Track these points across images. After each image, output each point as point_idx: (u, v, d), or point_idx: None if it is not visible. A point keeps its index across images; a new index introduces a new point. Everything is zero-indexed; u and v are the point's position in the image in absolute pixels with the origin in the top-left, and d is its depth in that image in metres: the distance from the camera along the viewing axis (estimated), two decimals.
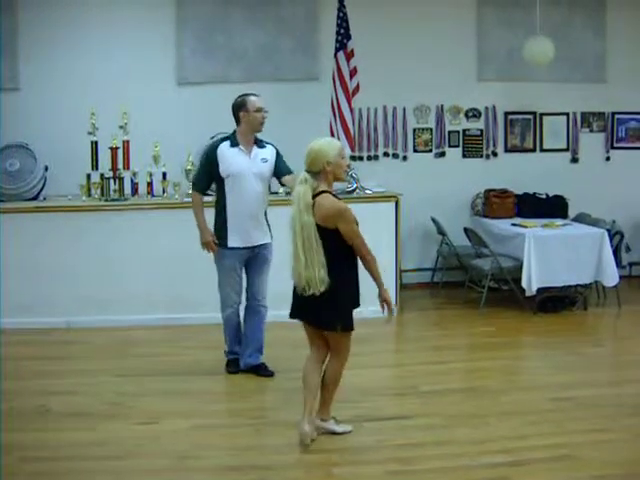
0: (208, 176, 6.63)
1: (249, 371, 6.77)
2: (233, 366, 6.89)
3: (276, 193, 8.12)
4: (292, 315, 5.47)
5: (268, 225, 6.73)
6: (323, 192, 5.17)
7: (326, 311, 5.23)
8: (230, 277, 6.69)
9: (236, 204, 6.51)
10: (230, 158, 6.49)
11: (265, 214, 6.72)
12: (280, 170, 6.62)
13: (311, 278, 5.08)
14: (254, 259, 6.69)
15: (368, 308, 8.30)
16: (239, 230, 6.55)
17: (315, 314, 5.28)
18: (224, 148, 6.53)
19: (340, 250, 5.19)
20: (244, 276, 6.80)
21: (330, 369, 5.44)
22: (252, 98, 6.53)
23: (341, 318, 5.30)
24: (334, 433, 5.50)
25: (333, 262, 5.14)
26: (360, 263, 5.31)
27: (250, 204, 6.51)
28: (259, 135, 6.64)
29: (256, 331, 6.76)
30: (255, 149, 6.58)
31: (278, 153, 6.69)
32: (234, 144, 6.53)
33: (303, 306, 5.30)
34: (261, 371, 6.75)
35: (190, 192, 7.15)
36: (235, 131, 6.62)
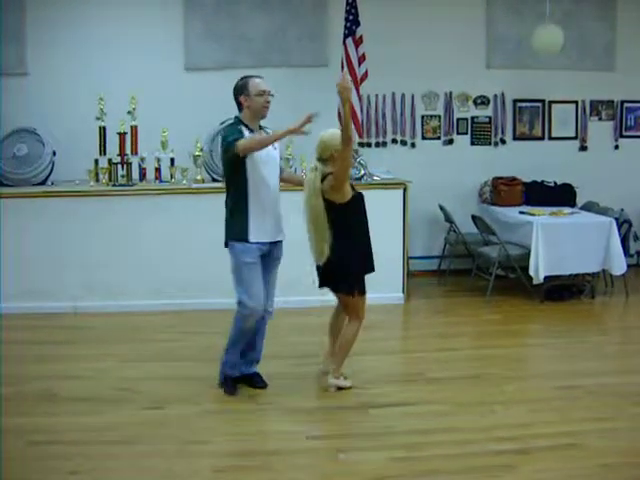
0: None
1: (242, 380, 6.20)
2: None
3: None
4: (320, 285, 6.08)
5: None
6: (329, 174, 5.79)
7: (341, 278, 5.95)
8: (254, 274, 5.86)
9: (259, 194, 5.81)
10: None
11: None
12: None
13: (315, 251, 5.84)
14: (267, 257, 5.96)
15: (375, 295, 8.36)
16: (263, 223, 5.83)
17: (333, 281, 5.99)
18: (246, 132, 5.78)
19: (347, 223, 5.89)
20: None
21: (346, 330, 6.14)
22: (254, 80, 5.88)
23: (355, 282, 5.99)
24: (340, 388, 6.08)
25: (341, 234, 5.81)
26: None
27: (273, 193, 5.88)
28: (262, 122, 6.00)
29: (259, 339, 6.21)
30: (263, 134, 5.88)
31: None
32: (251, 130, 5.82)
33: (326, 276, 5.96)
34: (256, 382, 6.19)
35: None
36: (238, 118, 5.93)
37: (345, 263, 5.87)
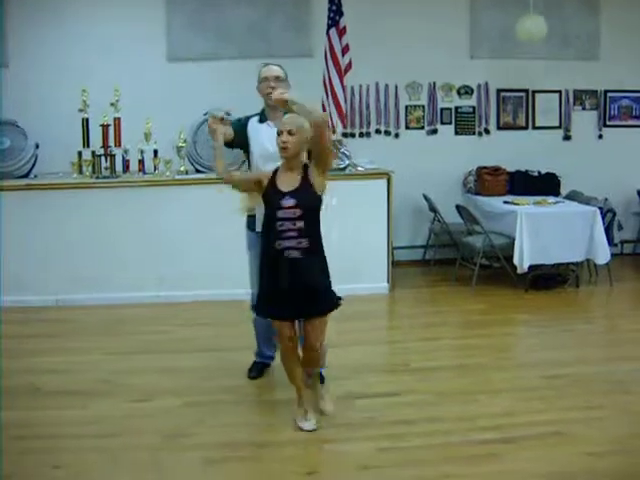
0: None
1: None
2: (255, 370, 6.27)
3: None
4: (281, 316, 5.06)
5: None
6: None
7: (326, 291, 5.04)
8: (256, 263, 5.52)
9: None
10: (257, 134, 5.67)
11: None
12: None
13: None
14: None
15: (360, 285, 8.37)
16: None
17: (315, 299, 4.98)
18: (254, 122, 5.74)
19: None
20: None
21: (315, 357, 5.25)
22: (261, 69, 5.79)
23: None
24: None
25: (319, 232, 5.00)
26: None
27: None
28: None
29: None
30: None
31: None
32: (262, 119, 5.72)
33: (299, 297, 4.94)
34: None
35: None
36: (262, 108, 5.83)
37: (327, 269, 5.07)
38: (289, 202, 4.86)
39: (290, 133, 4.91)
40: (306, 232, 4.86)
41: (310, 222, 4.90)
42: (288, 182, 4.94)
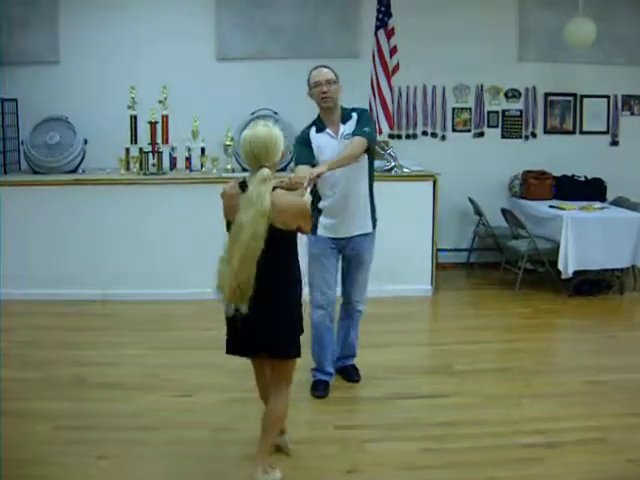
0: (308, 153, 5.57)
1: (339, 373, 6.19)
2: (321, 389, 5.89)
3: None
4: (235, 350, 4.64)
5: (373, 208, 5.83)
6: (274, 189, 4.35)
7: (289, 336, 4.45)
8: (317, 269, 5.67)
9: (330, 196, 5.62)
10: (319, 145, 5.59)
11: (371, 195, 5.80)
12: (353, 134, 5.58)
13: (237, 290, 4.46)
14: (347, 254, 5.83)
15: (403, 287, 8.36)
16: (331, 220, 5.66)
17: (274, 342, 4.43)
18: (312, 134, 5.63)
19: (292, 257, 4.51)
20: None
21: (277, 403, 4.53)
22: (311, 73, 5.60)
23: (296, 340, 4.50)
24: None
25: (285, 272, 4.49)
26: None
27: (345, 194, 5.59)
28: (347, 105, 5.75)
29: (344, 336, 6.12)
30: (341, 127, 5.63)
31: (358, 118, 5.63)
32: (320, 129, 5.64)
33: (247, 337, 4.45)
34: (348, 374, 6.15)
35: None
36: (318, 114, 5.73)
37: (296, 314, 4.51)
38: None
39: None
40: None
41: None
42: None
